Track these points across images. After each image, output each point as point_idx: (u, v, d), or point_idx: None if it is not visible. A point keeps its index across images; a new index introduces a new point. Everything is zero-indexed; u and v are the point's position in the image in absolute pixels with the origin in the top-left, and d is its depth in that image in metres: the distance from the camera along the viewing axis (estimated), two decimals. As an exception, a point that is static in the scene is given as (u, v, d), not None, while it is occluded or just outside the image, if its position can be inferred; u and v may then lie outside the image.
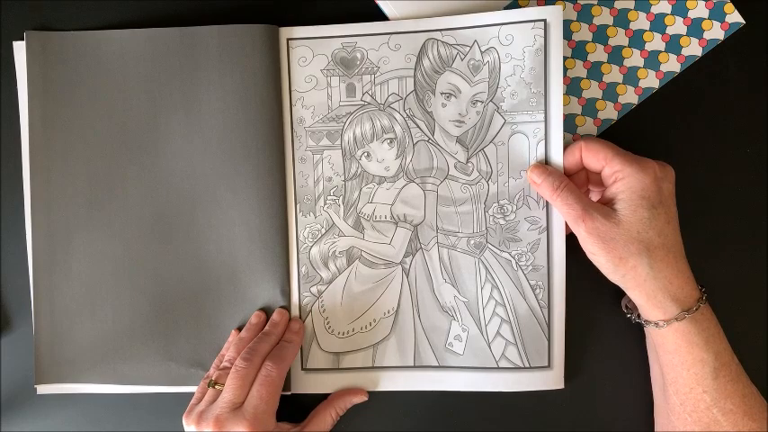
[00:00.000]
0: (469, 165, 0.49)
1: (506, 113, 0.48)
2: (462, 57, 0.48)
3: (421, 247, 0.50)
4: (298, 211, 0.50)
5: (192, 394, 0.48)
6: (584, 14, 0.50)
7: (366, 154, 0.50)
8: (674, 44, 0.49)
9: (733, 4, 0.48)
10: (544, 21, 0.47)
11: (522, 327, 0.49)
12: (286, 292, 0.50)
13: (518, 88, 0.48)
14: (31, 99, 0.50)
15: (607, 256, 0.43)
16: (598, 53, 0.50)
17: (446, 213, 0.49)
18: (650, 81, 0.50)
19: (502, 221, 0.49)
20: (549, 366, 0.49)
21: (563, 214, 0.45)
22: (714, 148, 0.50)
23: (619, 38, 0.49)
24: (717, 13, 0.49)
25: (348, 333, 0.50)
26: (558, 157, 0.47)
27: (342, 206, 0.50)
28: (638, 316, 0.46)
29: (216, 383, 0.46)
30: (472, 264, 0.49)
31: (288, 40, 0.49)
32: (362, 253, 0.50)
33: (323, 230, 0.50)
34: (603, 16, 0.49)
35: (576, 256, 0.46)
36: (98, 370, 0.51)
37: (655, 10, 0.49)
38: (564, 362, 0.49)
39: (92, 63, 0.50)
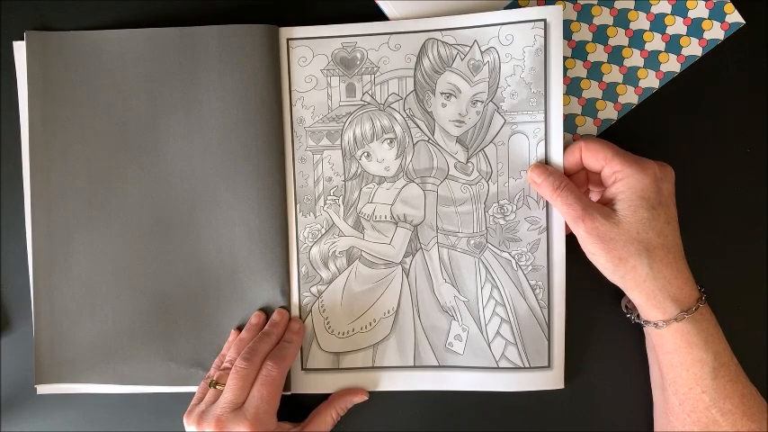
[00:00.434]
0: (469, 165, 0.49)
1: (506, 113, 0.48)
2: (462, 57, 0.48)
3: (421, 247, 0.50)
4: (298, 211, 0.50)
5: (191, 394, 0.48)
6: (584, 14, 0.50)
7: (366, 154, 0.50)
8: (674, 44, 0.49)
9: (733, 4, 0.48)
10: (544, 21, 0.47)
11: (522, 327, 0.49)
12: (286, 292, 0.50)
13: (518, 88, 0.48)
14: (31, 99, 0.50)
15: (607, 257, 0.43)
16: (598, 53, 0.50)
17: (446, 213, 0.49)
18: (650, 81, 0.50)
19: (502, 221, 0.49)
20: (548, 366, 0.49)
21: (563, 214, 0.45)
22: (714, 148, 0.50)
23: (619, 38, 0.49)
24: (717, 13, 0.49)
25: (348, 333, 0.50)
26: (558, 157, 0.47)
27: (342, 206, 0.50)
28: (638, 316, 0.46)
29: (217, 384, 0.46)
30: (472, 264, 0.49)
31: (288, 40, 0.49)
32: (362, 253, 0.50)
33: (323, 230, 0.50)
34: (603, 16, 0.49)
35: (576, 256, 0.46)
36: (98, 370, 0.51)
37: (655, 10, 0.49)
38: (564, 362, 0.49)
39: (92, 63, 0.50)
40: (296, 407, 0.51)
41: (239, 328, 0.50)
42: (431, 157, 0.49)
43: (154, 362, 0.50)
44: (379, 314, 0.50)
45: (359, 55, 0.49)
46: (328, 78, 0.50)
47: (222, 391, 0.45)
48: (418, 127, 0.49)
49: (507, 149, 0.49)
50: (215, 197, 0.50)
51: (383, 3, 0.49)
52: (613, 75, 0.50)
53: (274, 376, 0.45)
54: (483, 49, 0.48)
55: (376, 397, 0.50)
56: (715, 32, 0.49)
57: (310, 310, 0.50)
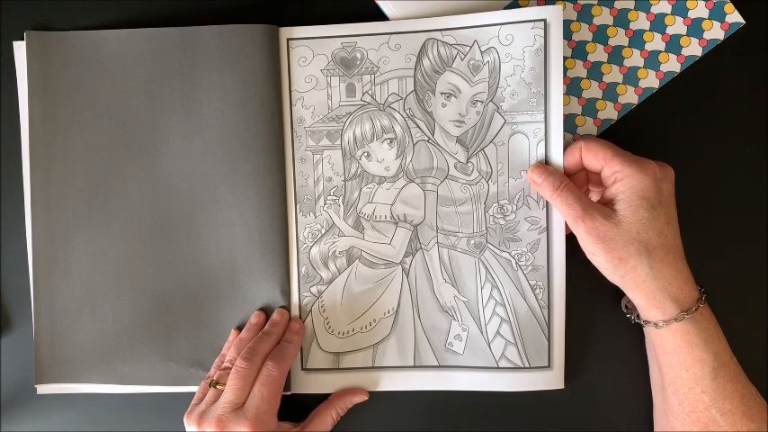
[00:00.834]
0: (469, 165, 0.49)
1: (506, 113, 0.48)
2: (462, 57, 0.48)
3: (421, 247, 0.50)
4: (298, 211, 0.50)
5: (191, 394, 0.48)
6: (584, 14, 0.50)
7: (366, 154, 0.50)
8: (674, 44, 0.49)
9: (733, 4, 0.48)
10: (544, 21, 0.47)
11: (521, 327, 0.49)
12: (286, 292, 0.50)
13: (518, 88, 0.48)
14: (31, 99, 0.50)
15: (606, 257, 0.43)
16: (598, 53, 0.50)
17: (446, 213, 0.49)
18: (650, 81, 0.50)
19: (502, 221, 0.49)
20: (548, 366, 0.49)
21: (563, 214, 0.45)
22: (714, 148, 0.50)
23: (619, 38, 0.49)
24: (717, 13, 0.49)
25: (348, 333, 0.50)
26: (558, 157, 0.47)
27: (342, 206, 0.50)
28: (638, 316, 0.46)
29: (217, 383, 0.46)
30: (472, 264, 0.49)
31: (288, 40, 0.49)
32: (362, 253, 0.50)
33: (323, 230, 0.50)
34: (603, 16, 0.49)
35: (576, 256, 0.46)
36: (98, 370, 0.51)
37: (655, 10, 0.49)
38: (564, 362, 0.49)
39: (92, 63, 0.50)
40: (296, 407, 0.51)
41: (239, 328, 0.50)
42: (431, 157, 0.49)
43: (154, 362, 0.50)
44: (379, 314, 0.50)
45: (359, 55, 0.49)
46: (328, 78, 0.50)
47: (222, 390, 0.45)
48: (418, 127, 0.49)
49: (507, 149, 0.49)
50: (215, 197, 0.50)
51: (383, 3, 0.49)
52: (613, 75, 0.50)
53: (275, 376, 0.45)
54: (483, 49, 0.48)
55: (376, 397, 0.50)
56: (715, 32, 0.49)
57: (310, 310, 0.50)
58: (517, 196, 0.49)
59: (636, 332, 0.49)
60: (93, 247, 0.50)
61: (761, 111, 0.50)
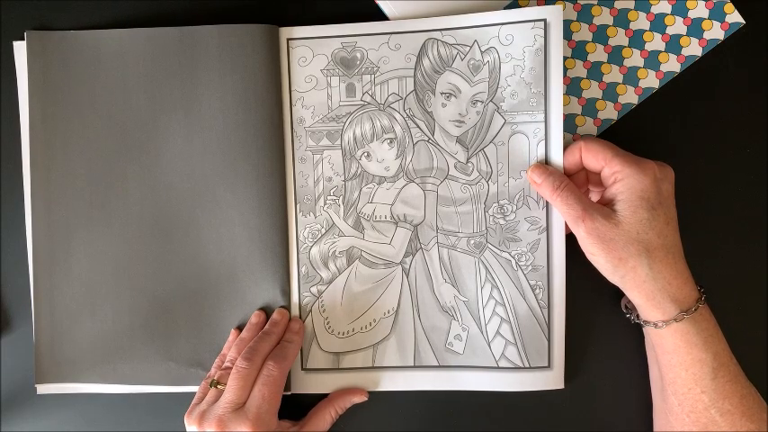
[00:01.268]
0: (469, 165, 0.49)
1: (506, 113, 0.48)
2: (462, 56, 0.48)
3: (421, 247, 0.50)
4: (298, 211, 0.50)
5: (191, 394, 0.48)
6: (584, 14, 0.50)
7: (366, 154, 0.50)
8: (674, 44, 0.49)
9: (733, 4, 0.48)
10: (544, 21, 0.47)
11: (521, 327, 0.49)
12: (286, 292, 0.50)
13: (518, 88, 0.48)
14: (32, 99, 0.50)
15: (606, 257, 0.43)
16: (598, 53, 0.50)
17: (446, 213, 0.49)
18: (650, 81, 0.50)
19: (502, 221, 0.49)
20: (548, 367, 0.49)
21: (563, 214, 0.45)
22: (714, 148, 0.50)
23: (619, 38, 0.49)
24: (717, 13, 0.49)
25: (348, 333, 0.50)
26: (558, 157, 0.47)
27: (342, 206, 0.50)
28: (638, 316, 0.46)
29: (218, 383, 0.46)
30: (472, 264, 0.49)
31: (288, 40, 0.49)
32: (362, 253, 0.50)
33: (323, 230, 0.50)
34: (603, 16, 0.49)
35: (576, 256, 0.46)
36: (98, 370, 0.51)
37: (655, 10, 0.49)
38: (564, 362, 0.49)
39: (92, 63, 0.50)
40: (296, 406, 0.51)
41: (239, 328, 0.50)
42: (431, 157, 0.49)
43: (154, 362, 0.50)
44: (379, 314, 0.50)
45: (359, 55, 0.49)
46: (328, 78, 0.50)
47: (223, 390, 0.45)
48: (418, 127, 0.49)
49: (507, 149, 0.49)
50: (215, 197, 0.50)
51: (383, 3, 0.49)
52: (613, 75, 0.50)
53: (275, 376, 0.45)
54: (483, 49, 0.48)
55: (376, 397, 0.50)
56: (715, 32, 0.49)
57: (310, 310, 0.50)
58: (517, 196, 0.49)
59: (636, 332, 0.50)
60: (93, 246, 0.50)
61: (761, 111, 0.50)
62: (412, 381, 0.50)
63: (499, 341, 0.49)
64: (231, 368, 0.46)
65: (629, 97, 0.50)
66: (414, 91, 0.49)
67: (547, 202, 0.48)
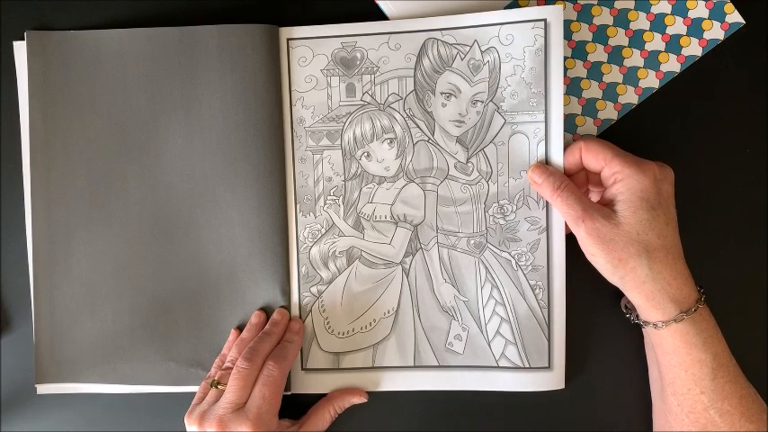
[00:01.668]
0: (469, 165, 0.49)
1: (506, 113, 0.48)
2: (462, 56, 0.48)
3: (421, 247, 0.50)
4: (298, 211, 0.50)
5: (191, 394, 0.48)
6: (584, 14, 0.50)
7: (366, 154, 0.50)
8: (674, 44, 0.49)
9: (733, 4, 0.48)
10: (544, 20, 0.47)
11: (521, 327, 0.49)
12: (286, 292, 0.50)
13: (518, 88, 0.48)
14: (32, 99, 0.50)
15: (606, 257, 0.43)
16: (598, 53, 0.50)
17: (446, 213, 0.49)
18: (650, 81, 0.50)
19: (502, 221, 0.49)
20: (549, 367, 0.49)
21: (563, 214, 0.45)
22: (714, 148, 0.50)
23: (619, 38, 0.49)
24: (717, 13, 0.49)
25: (348, 333, 0.50)
26: (558, 157, 0.47)
27: (342, 206, 0.50)
28: (637, 316, 0.46)
29: (218, 383, 0.46)
30: (472, 264, 0.49)
31: (288, 40, 0.49)
32: (362, 253, 0.50)
33: (323, 230, 0.50)
34: (603, 16, 0.49)
35: (576, 256, 0.46)
36: (98, 370, 0.51)
37: (655, 10, 0.49)
38: (564, 362, 0.49)
39: (92, 63, 0.50)
40: (296, 406, 0.51)
41: (239, 328, 0.50)
42: (431, 157, 0.49)
43: (154, 362, 0.50)
44: (379, 314, 0.50)
45: (359, 55, 0.49)
46: (328, 78, 0.50)
47: (224, 391, 0.45)
48: (418, 127, 0.49)
49: (507, 149, 0.49)
50: (215, 197, 0.50)
51: (383, 2, 0.49)
52: (613, 75, 0.50)
53: (276, 376, 0.45)
54: (483, 49, 0.48)
55: (376, 397, 0.50)
56: (715, 32, 0.49)
57: (310, 310, 0.50)
58: (517, 196, 0.49)
59: (636, 332, 0.50)
60: (93, 247, 0.50)
61: (761, 111, 0.50)
62: (412, 381, 0.50)
63: (499, 341, 0.49)
64: (231, 368, 0.46)
65: (629, 97, 0.50)
66: (414, 91, 0.49)
67: (547, 202, 0.48)
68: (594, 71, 0.50)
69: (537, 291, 0.49)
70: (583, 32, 0.50)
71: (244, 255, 0.50)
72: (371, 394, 0.50)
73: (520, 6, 0.49)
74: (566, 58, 0.50)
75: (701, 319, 0.43)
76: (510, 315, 0.49)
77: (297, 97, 0.50)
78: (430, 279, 0.50)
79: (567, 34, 0.50)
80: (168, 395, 0.51)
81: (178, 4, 0.51)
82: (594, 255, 0.44)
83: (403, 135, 0.49)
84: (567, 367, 0.49)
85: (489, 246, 0.49)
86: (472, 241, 0.49)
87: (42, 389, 0.51)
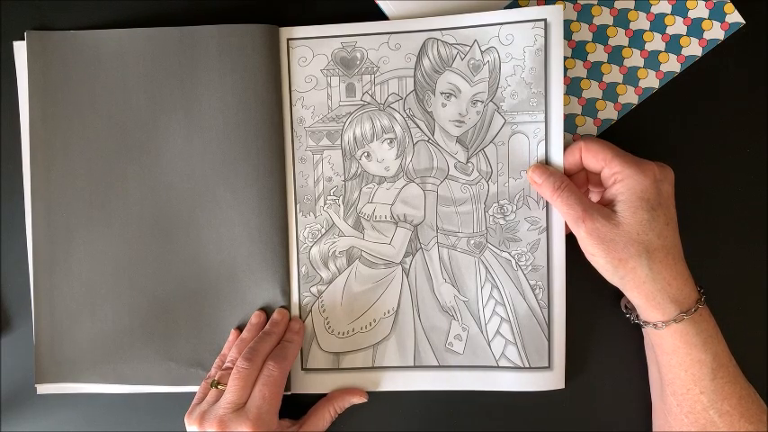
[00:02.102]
0: (469, 165, 0.49)
1: (506, 113, 0.48)
2: (462, 56, 0.48)
3: (421, 247, 0.50)
4: (298, 211, 0.50)
5: (191, 394, 0.48)
6: (584, 14, 0.50)
7: (366, 154, 0.50)
8: (674, 44, 0.49)
9: (733, 4, 0.48)
10: (544, 20, 0.47)
11: (521, 327, 0.49)
12: (286, 292, 0.50)
13: (518, 88, 0.48)
14: (32, 98, 0.50)
15: (606, 258, 0.43)
16: (598, 53, 0.50)
17: (446, 213, 0.49)
18: (650, 81, 0.50)
19: (502, 221, 0.49)
20: (549, 367, 0.49)
21: (563, 215, 0.45)
22: (714, 148, 0.50)
23: (619, 38, 0.49)
24: (717, 13, 0.49)
25: (348, 333, 0.50)
26: (558, 157, 0.47)
27: (342, 206, 0.50)
28: (637, 316, 0.46)
29: (218, 384, 0.46)
30: (472, 263, 0.49)
31: (288, 40, 0.49)
32: (362, 253, 0.50)
33: (323, 230, 0.50)
34: (603, 16, 0.49)
35: (575, 256, 0.46)
36: (98, 370, 0.51)
37: (655, 10, 0.49)
38: (564, 362, 0.49)
39: (92, 63, 0.50)
40: (296, 406, 0.51)
41: (239, 328, 0.50)
42: (431, 157, 0.49)
43: (154, 362, 0.50)
44: (379, 314, 0.50)
45: (359, 55, 0.49)
46: (328, 78, 0.50)
47: (224, 391, 0.45)
48: (418, 127, 0.49)
49: (507, 149, 0.49)
50: (215, 197, 0.50)
51: (383, 2, 0.49)
52: (613, 75, 0.50)
53: (276, 376, 0.45)
54: (483, 49, 0.48)
55: (376, 397, 0.50)
56: (715, 32, 0.49)
57: (310, 310, 0.50)
58: (517, 196, 0.49)
59: (636, 332, 0.50)
60: (93, 247, 0.50)
61: (761, 111, 0.50)
62: (412, 381, 0.50)
63: (499, 341, 0.49)
64: (231, 368, 0.46)
65: (629, 97, 0.50)
66: (414, 91, 0.49)
67: (547, 203, 0.48)
68: (594, 71, 0.50)
69: (537, 291, 0.49)
70: (583, 32, 0.50)
71: (244, 255, 0.50)
72: (371, 394, 0.50)
73: (520, 6, 0.49)
74: (566, 58, 0.50)
75: (701, 320, 0.43)
76: (510, 315, 0.49)
77: (297, 97, 0.50)
78: (430, 279, 0.50)
79: (567, 34, 0.50)
80: (168, 395, 0.51)
81: (178, 4, 0.51)
82: (594, 255, 0.44)
83: (403, 135, 0.49)
84: (567, 367, 0.49)
85: (489, 246, 0.49)
86: (472, 241, 0.49)
87: (42, 389, 0.51)
